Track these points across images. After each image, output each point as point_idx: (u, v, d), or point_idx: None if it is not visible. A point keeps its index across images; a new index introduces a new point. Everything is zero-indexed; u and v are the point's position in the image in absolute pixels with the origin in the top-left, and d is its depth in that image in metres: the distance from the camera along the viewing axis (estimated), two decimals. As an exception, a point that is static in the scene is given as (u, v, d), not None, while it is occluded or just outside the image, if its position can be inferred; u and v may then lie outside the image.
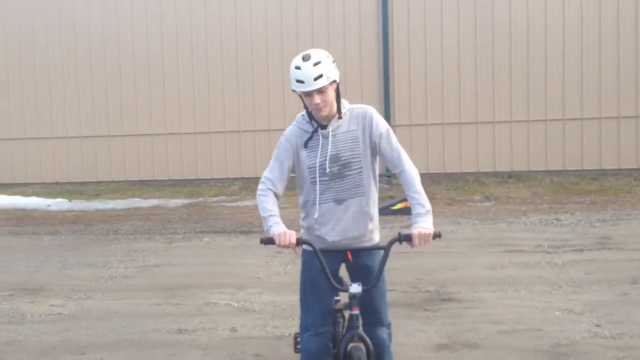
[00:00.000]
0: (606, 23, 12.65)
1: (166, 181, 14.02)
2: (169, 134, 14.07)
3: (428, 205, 3.25)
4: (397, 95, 13.29)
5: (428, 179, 12.71)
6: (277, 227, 3.20)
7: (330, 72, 3.18)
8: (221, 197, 12.63)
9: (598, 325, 5.03)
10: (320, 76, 3.13)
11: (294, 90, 3.25)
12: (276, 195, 3.34)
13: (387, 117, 13.15)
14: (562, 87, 12.86)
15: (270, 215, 3.26)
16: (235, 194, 12.80)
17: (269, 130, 13.21)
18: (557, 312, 5.37)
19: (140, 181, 14.14)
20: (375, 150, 3.35)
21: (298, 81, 3.15)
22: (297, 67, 3.15)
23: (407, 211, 8.91)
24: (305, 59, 3.15)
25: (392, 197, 10.05)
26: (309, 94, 3.18)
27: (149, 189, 13.58)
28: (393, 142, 3.34)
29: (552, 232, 8.46)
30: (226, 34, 13.73)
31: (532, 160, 13.00)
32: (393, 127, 12.95)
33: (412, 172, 3.31)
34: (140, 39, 13.99)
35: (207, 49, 13.83)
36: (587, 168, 12.78)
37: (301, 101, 3.32)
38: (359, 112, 3.36)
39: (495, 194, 11.58)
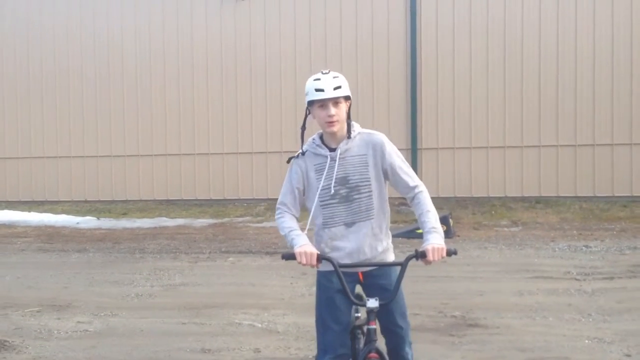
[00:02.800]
0: (637, 49, 12.53)
1: (193, 201, 14.15)
2: (197, 154, 14.22)
3: (438, 225, 3.25)
4: (424, 118, 13.28)
5: (454, 203, 12.63)
6: (299, 240, 3.22)
7: (347, 87, 3.26)
8: (247, 217, 12.69)
9: (629, 355, 4.91)
10: (340, 87, 3.22)
11: (307, 106, 3.30)
12: (292, 216, 3.38)
13: (414, 140, 13.15)
14: (592, 112, 12.73)
15: (291, 230, 3.29)
16: (260, 214, 12.85)
17: (295, 151, 13.23)
18: (587, 341, 5.25)
19: (168, 200, 14.29)
20: (386, 176, 3.36)
21: (317, 90, 3.21)
22: (317, 79, 3.24)
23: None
24: (324, 72, 3.26)
25: (416, 221, 10.00)
26: (324, 106, 3.23)
27: (176, 208, 13.72)
28: (404, 170, 3.34)
29: (581, 259, 8.31)
30: (255, 58, 13.92)
31: (561, 185, 12.84)
32: (419, 149, 13.13)
33: (423, 196, 3.31)
34: (172, 62, 14.25)
35: (237, 72, 14.02)
36: (617, 194, 12.58)
37: (304, 123, 3.38)
38: (370, 138, 3.37)
39: (522, 219, 11.44)
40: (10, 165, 15.09)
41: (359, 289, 3.45)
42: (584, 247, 8.97)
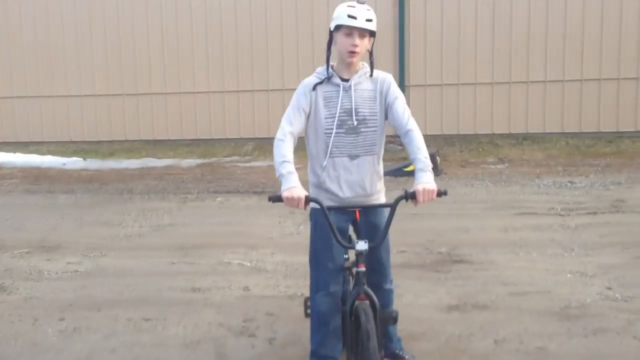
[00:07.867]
0: (628, -19, 12.32)
1: (180, 141, 14.05)
2: (183, 92, 14.03)
3: (429, 164, 3.29)
4: (412, 55, 13.12)
5: (441, 141, 12.64)
6: (288, 181, 3.14)
7: (375, 24, 3.27)
8: (234, 157, 12.66)
9: (609, 288, 5.04)
10: (371, 21, 3.23)
11: (332, 30, 3.28)
12: (294, 139, 3.33)
13: (402, 77, 13.02)
14: (580, 47, 12.60)
15: (284, 161, 3.21)
16: (248, 154, 12.82)
17: (282, 89, 13.12)
18: (569, 275, 5.38)
19: (154, 140, 14.17)
20: (387, 112, 3.40)
21: (350, 16, 3.20)
22: (351, 6, 3.23)
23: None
24: (360, 1, 3.25)
25: (404, 159, 10.01)
26: (351, 34, 3.23)
27: (163, 148, 13.64)
28: (404, 106, 3.41)
29: (565, 194, 8.41)
30: (239, -8, 13.56)
31: (548, 122, 12.84)
32: (407, 87, 13.05)
33: (417, 134, 3.34)
34: (153, -3, 13.86)
35: (221, 9, 13.67)
36: (603, 130, 12.62)
37: (329, 47, 3.35)
38: (379, 75, 3.44)
39: (509, 156, 11.50)
40: (-7, 106, 14.83)
41: (350, 230, 3.49)
42: (568, 183, 9.07)
